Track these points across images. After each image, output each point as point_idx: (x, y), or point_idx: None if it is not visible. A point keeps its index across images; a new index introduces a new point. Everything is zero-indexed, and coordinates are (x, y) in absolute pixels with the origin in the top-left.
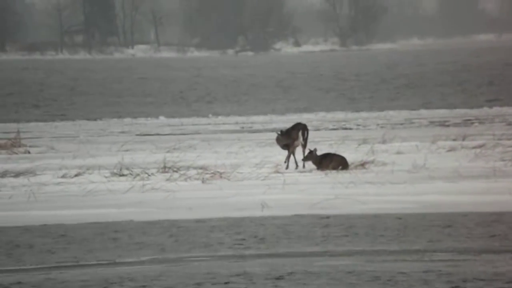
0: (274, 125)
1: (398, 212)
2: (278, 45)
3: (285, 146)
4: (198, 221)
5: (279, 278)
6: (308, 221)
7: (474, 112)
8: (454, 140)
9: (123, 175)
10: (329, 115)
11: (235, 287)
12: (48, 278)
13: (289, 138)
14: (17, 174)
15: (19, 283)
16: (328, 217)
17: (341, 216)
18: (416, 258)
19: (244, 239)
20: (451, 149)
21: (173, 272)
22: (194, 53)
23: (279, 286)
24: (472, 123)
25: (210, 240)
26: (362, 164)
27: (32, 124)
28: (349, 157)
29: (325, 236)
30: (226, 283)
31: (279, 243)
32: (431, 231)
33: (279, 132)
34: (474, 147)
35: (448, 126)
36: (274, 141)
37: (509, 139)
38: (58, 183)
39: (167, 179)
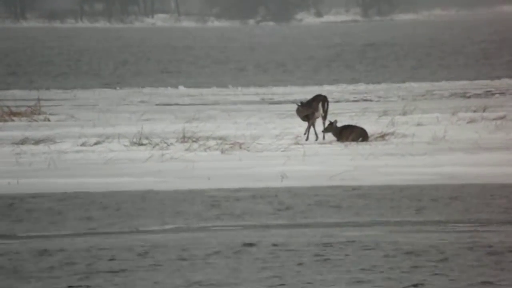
0: (294, 96)
1: (418, 183)
2: (299, 16)
3: (305, 118)
4: (219, 190)
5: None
6: (328, 192)
7: (495, 83)
8: (474, 111)
9: (142, 144)
10: (350, 87)
11: (282, 254)
12: (86, 244)
13: (309, 109)
14: (37, 142)
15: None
16: (352, 188)
17: (362, 187)
18: (439, 229)
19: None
20: (472, 121)
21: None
22: (214, 23)
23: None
24: (493, 94)
25: (236, 210)
26: (382, 136)
27: (52, 91)
28: (369, 128)
29: (348, 207)
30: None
31: (305, 213)
32: (451, 202)
33: (299, 103)
34: (495, 119)
35: (469, 97)
36: (294, 112)
37: None
38: (78, 151)
39: (186, 149)
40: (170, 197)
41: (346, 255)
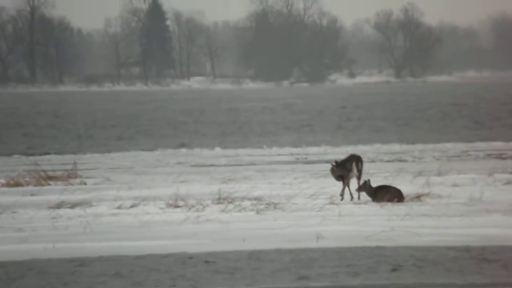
0: (328, 157)
1: (456, 245)
2: (333, 77)
3: (339, 177)
4: (261, 251)
5: None
6: (365, 253)
7: None
8: (511, 173)
9: (178, 206)
10: (384, 147)
11: None
12: None
13: (344, 169)
14: (73, 205)
15: None
16: (384, 248)
17: (399, 248)
18: None
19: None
20: (508, 182)
21: None
22: (249, 85)
23: None
24: None
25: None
26: (418, 197)
27: (89, 155)
28: (405, 189)
29: (388, 269)
30: None
31: (340, 276)
32: (491, 264)
33: (334, 163)
34: None
35: (504, 158)
36: (329, 172)
37: None
38: (114, 214)
39: (222, 210)
40: (207, 258)
41: None
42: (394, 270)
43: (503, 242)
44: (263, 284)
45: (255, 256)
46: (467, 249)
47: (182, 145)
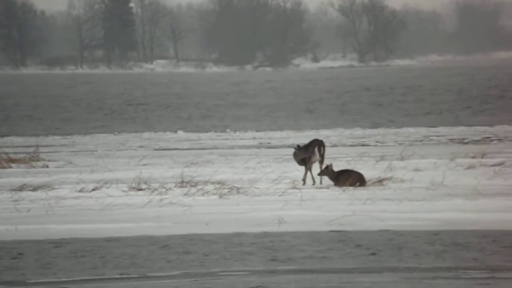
0: (291, 141)
1: (417, 229)
2: (296, 61)
3: (302, 162)
4: (233, 235)
5: None
6: (327, 237)
7: (493, 129)
8: (472, 157)
9: (141, 189)
10: (347, 131)
11: None
12: None
13: (306, 153)
14: (35, 188)
15: None
16: (348, 232)
17: (360, 233)
18: (444, 276)
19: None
20: (470, 167)
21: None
22: (213, 69)
23: None
24: (491, 140)
25: (236, 255)
26: (380, 181)
27: (50, 138)
28: (367, 173)
29: (351, 253)
30: None
31: (305, 260)
32: (452, 248)
33: (296, 147)
34: (493, 165)
35: (466, 143)
36: (291, 156)
37: None
38: (76, 197)
39: (185, 194)
40: (171, 242)
41: None
42: (357, 254)
43: (464, 227)
44: (234, 267)
45: (219, 239)
46: (428, 233)
47: (146, 129)
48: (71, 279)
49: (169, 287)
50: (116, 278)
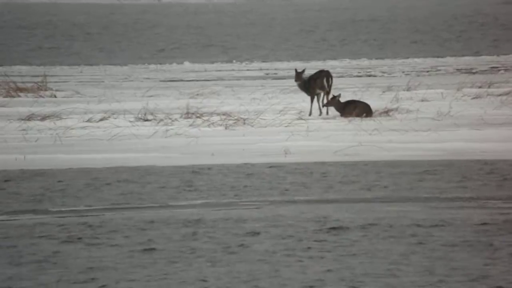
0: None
1: (422, 159)
2: None
3: (307, 90)
4: (238, 166)
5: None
6: (334, 168)
7: (501, 59)
8: (479, 87)
9: (147, 120)
10: (354, 62)
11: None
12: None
13: (314, 84)
14: (43, 118)
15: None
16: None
17: (366, 162)
18: (461, 205)
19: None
20: (477, 97)
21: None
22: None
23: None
24: (498, 70)
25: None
26: (386, 112)
27: (58, 68)
28: (373, 104)
29: (357, 184)
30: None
31: (311, 190)
32: (457, 177)
33: (299, 71)
34: (500, 95)
35: (474, 73)
36: (297, 87)
37: None
38: (84, 127)
39: (190, 125)
40: (175, 172)
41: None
42: (363, 185)
43: (469, 156)
44: (251, 197)
45: (226, 169)
46: (433, 163)
47: (152, 61)
48: (91, 207)
49: (192, 215)
50: (139, 207)
